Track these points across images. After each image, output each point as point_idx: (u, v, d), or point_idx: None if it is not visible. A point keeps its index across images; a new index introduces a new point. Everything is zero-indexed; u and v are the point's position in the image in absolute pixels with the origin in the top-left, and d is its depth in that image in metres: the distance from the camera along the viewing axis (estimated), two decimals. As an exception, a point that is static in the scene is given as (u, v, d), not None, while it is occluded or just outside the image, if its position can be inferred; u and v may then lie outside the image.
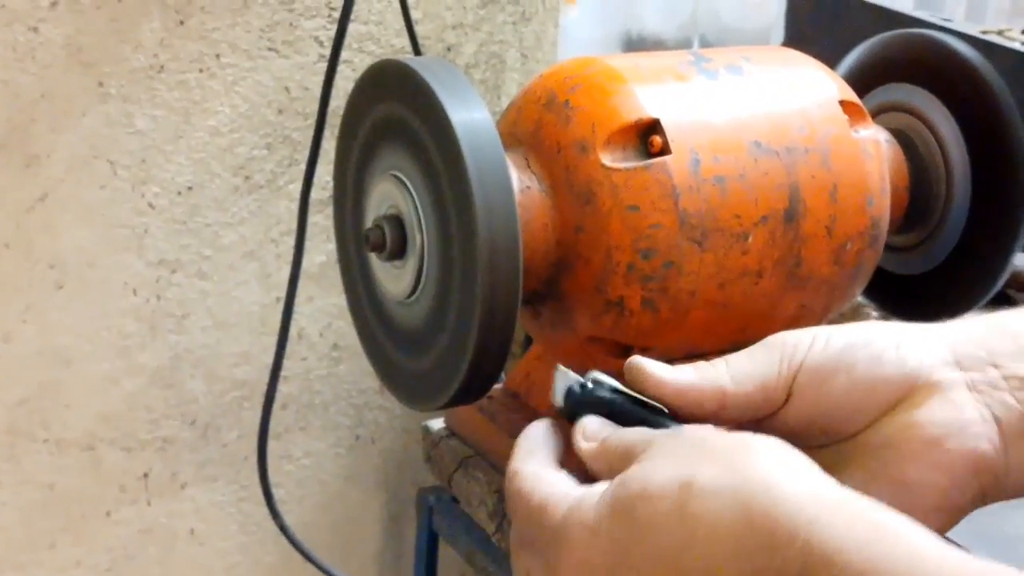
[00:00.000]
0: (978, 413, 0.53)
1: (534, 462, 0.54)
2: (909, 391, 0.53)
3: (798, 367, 0.54)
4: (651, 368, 0.55)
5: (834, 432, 0.55)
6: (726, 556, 0.45)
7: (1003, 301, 0.83)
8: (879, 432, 0.53)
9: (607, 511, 0.49)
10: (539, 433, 0.56)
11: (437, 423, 0.85)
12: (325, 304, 1.21)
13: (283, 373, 1.07)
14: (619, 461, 0.51)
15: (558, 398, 0.56)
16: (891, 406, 0.54)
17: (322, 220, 1.17)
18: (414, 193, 0.66)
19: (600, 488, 0.50)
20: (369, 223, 0.70)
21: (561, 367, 0.56)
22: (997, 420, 0.53)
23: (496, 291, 0.62)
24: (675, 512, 0.46)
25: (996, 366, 0.54)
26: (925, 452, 0.52)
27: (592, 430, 0.54)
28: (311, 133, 1.01)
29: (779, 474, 0.46)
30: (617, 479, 0.49)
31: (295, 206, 1.05)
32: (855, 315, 0.89)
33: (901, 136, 0.81)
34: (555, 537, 0.50)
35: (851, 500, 0.46)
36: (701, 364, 0.56)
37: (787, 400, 0.55)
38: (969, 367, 0.54)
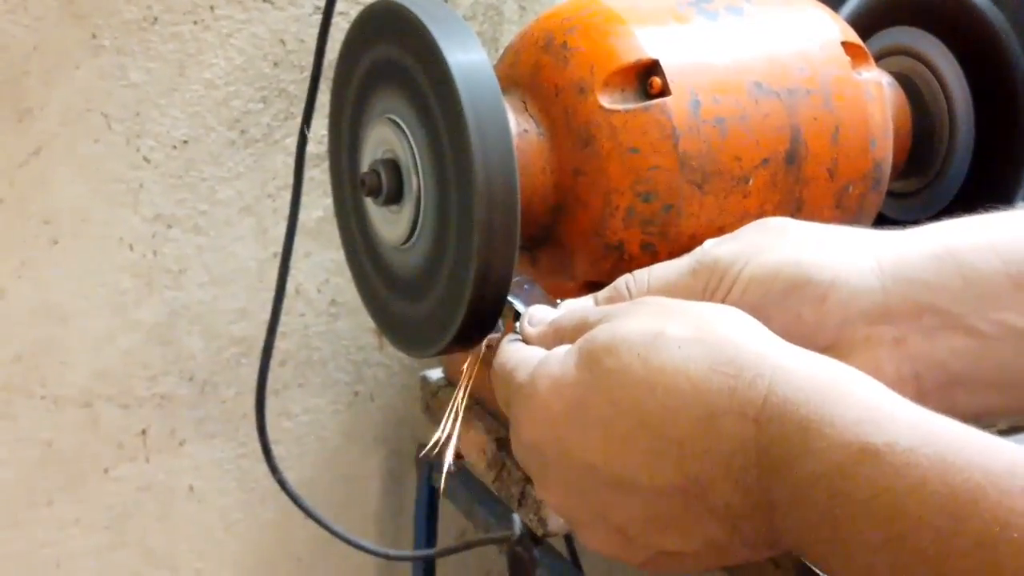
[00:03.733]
0: (895, 371, 0.53)
1: (515, 342, 0.59)
2: (834, 341, 0.54)
3: (722, 300, 0.56)
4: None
5: None
6: (685, 400, 0.47)
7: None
8: None
9: (572, 362, 0.51)
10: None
11: (435, 373, 0.85)
12: (323, 260, 1.20)
13: (281, 329, 1.06)
14: (574, 332, 0.54)
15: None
16: (817, 349, 0.54)
17: (319, 175, 1.16)
18: (410, 136, 0.65)
19: (565, 347, 0.53)
20: (365, 168, 0.69)
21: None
22: (917, 376, 0.54)
23: (493, 236, 0.62)
24: (640, 361, 0.48)
25: (935, 312, 0.54)
26: None
27: (538, 316, 0.59)
28: (307, 86, 1.00)
29: (743, 332, 0.49)
30: (583, 337, 0.52)
31: (291, 160, 1.03)
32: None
33: (904, 80, 0.80)
34: (522, 392, 0.53)
35: (812, 355, 0.48)
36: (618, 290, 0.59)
37: None
38: (899, 317, 0.54)
